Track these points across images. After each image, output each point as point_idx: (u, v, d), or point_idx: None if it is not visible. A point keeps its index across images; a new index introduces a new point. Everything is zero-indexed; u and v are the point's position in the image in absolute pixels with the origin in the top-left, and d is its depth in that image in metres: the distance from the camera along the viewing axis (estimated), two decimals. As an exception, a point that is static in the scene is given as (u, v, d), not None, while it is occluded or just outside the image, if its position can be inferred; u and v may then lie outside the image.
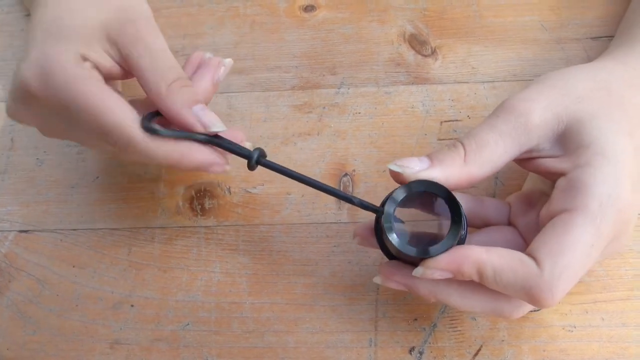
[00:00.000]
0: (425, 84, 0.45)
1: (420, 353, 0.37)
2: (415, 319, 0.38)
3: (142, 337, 0.39)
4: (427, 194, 0.31)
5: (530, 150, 0.32)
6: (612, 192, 0.29)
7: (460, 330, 0.37)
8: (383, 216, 0.31)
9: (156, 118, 0.34)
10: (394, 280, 0.33)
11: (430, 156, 0.32)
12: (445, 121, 0.43)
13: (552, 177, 0.32)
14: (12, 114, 0.36)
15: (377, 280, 0.33)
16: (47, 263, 0.41)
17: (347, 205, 0.41)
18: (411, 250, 0.31)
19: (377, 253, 0.39)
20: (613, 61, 0.36)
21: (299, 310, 0.39)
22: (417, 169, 0.31)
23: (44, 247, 0.41)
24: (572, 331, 0.37)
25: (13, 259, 0.41)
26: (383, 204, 0.32)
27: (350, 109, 0.44)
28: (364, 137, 0.43)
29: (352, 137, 0.43)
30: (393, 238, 0.31)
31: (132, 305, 0.39)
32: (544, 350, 0.36)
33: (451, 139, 0.43)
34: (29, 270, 0.41)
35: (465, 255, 0.30)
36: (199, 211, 0.42)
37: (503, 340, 0.37)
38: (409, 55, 0.46)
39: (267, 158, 0.35)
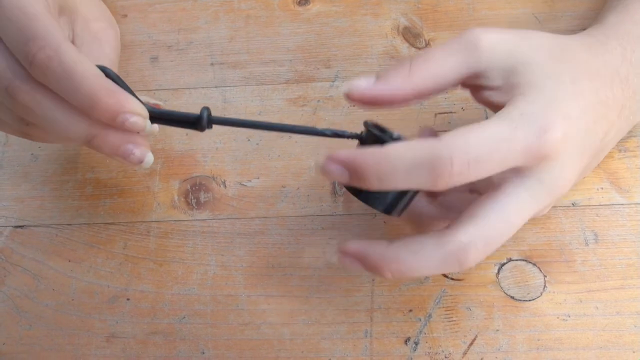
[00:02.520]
0: (419, 76, 0.45)
1: (416, 343, 0.37)
2: (411, 310, 0.38)
3: (138, 330, 0.39)
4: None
5: (478, 75, 0.33)
6: (536, 111, 0.30)
7: (455, 321, 0.37)
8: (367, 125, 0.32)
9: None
10: (348, 252, 0.32)
11: (377, 74, 0.33)
12: (440, 113, 0.43)
13: (494, 109, 0.33)
14: None
15: (333, 258, 0.34)
16: (43, 258, 0.41)
17: (342, 197, 0.41)
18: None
19: (372, 245, 0.40)
20: (581, 34, 0.37)
21: (295, 303, 0.39)
22: (364, 85, 0.32)
23: (39, 242, 0.41)
24: (566, 320, 0.37)
25: (8, 254, 0.41)
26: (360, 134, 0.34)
27: (345, 102, 0.44)
28: (358, 130, 0.43)
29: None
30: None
31: (128, 299, 0.40)
32: (539, 340, 0.37)
33: (446, 130, 0.43)
34: (25, 265, 0.41)
35: (361, 151, 0.30)
36: (194, 205, 0.42)
37: (498, 330, 0.37)
38: (403, 48, 0.46)
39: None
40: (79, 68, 0.32)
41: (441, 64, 0.32)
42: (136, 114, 0.33)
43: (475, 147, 0.29)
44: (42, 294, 0.40)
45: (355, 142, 0.34)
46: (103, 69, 0.34)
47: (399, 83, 0.32)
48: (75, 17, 0.39)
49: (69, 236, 0.41)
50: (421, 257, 0.31)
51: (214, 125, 0.35)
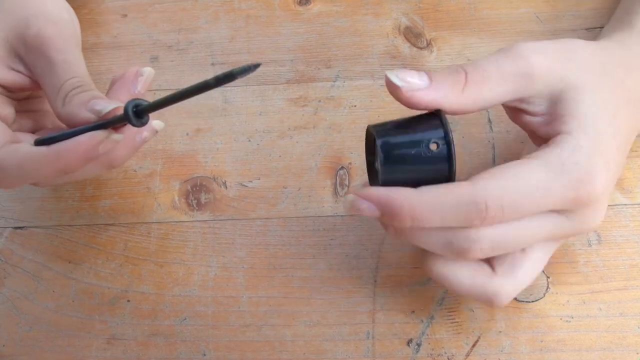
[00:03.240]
0: (420, 76, 0.45)
1: (418, 345, 0.37)
2: (413, 311, 0.38)
3: (139, 332, 0.38)
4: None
5: (522, 100, 0.32)
6: (579, 161, 0.30)
7: (457, 322, 0.37)
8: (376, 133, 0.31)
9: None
10: (369, 196, 0.31)
11: (430, 75, 0.31)
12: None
13: (531, 134, 0.33)
14: None
15: (350, 197, 0.31)
16: (43, 259, 0.41)
17: (344, 198, 0.41)
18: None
19: (374, 246, 0.39)
20: (613, 43, 0.36)
21: (296, 304, 0.39)
22: (416, 86, 0.30)
23: (39, 243, 0.41)
24: (569, 321, 0.37)
25: (8, 256, 0.41)
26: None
27: (346, 102, 0.44)
28: (359, 130, 0.43)
29: (348, 130, 0.43)
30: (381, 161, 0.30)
31: (128, 301, 0.39)
32: (542, 341, 0.36)
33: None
34: (25, 266, 0.41)
35: (395, 191, 0.29)
36: (195, 206, 0.42)
37: (500, 332, 0.37)
38: (404, 47, 0.46)
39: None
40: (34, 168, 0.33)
41: (494, 89, 0.31)
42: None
43: (510, 195, 0.29)
44: (42, 295, 0.40)
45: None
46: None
47: (450, 96, 0.30)
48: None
49: (69, 237, 0.41)
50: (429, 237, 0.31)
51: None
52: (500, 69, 0.31)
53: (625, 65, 0.34)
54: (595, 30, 0.45)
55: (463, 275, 0.32)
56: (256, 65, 0.26)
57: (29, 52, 0.35)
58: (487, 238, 0.30)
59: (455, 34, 0.46)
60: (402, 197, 0.29)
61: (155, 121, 0.37)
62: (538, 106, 0.32)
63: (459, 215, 0.29)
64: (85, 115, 0.33)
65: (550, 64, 0.31)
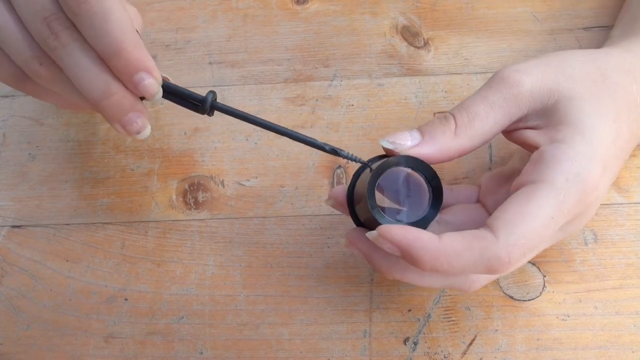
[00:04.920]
0: (418, 75, 0.45)
1: (415, 343, 0.37)
2: (410, 310, 0.38)
3: (137, 330, 0.39)
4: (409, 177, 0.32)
5: (518, 121, 0.32)
6: (581, 170, 0.30)
7: (454, 321, 0.37)
8: (374, 168, 0.31)
9: None
10: (357, 246, 0.33)
11: (421, 130, 0.32)
12: (439, 112, 0.43)
13: (530, 149, 0.32)
14: None
15: (345, 243, 0.33)
16: (41, 258, 0.41)
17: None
18: (383, 218, 0.30)
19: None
20: (617, 49, 0.36)
21: (293, 303, 0.39)
22: (409, 144, 0.31)
23: (37, 242, 0.41)
24: (565, 320, 0.37)
25: (6, 254, 0.41)
26: (368, 162, 0.33)
27: (343, 101, 0.44)
28: (357, 129, 0.43)
29: (345, 130, 0.43)
30: (372, 198, 0.30)
31: (126, 299, 0.39)
32: (538, 339, 0.36)
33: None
34: (22, 265, 0.41)
35: (419, 239, 0.29)
36: (192, 204, 0.42)
37: (497, 330, 0.37)
38: (402, 47, 0.46)
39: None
40: (116, 14, 0.31)
41: (484, 122, 0.31)
42: (153, 76, 0.33)
43: (530, 240, 0.29)
44: (39, 294, 0.40)
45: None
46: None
47: (446, 144, 0.31)
48: None
49: (66, 236, 0.41)
50: (425, 281, 0.32)
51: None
52: (486, 100, 0.32)
53: (628, 71, 0.34)
54: (592, 30, 0.45)
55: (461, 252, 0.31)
56: (367, 165, 0.32)
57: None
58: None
59: (452, 33, 0.46)
60: (425, 244, 0.29)
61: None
62: (533, 122, 0.32)
63: (480, 268, 0.29)
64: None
65: (536, 80, 0.32)
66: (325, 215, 0.41)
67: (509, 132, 0.34)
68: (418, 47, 0.46)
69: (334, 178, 0.42)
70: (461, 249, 0.29)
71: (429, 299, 0.38)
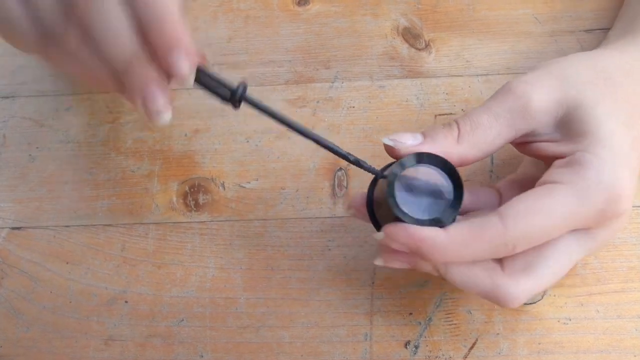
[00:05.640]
0: (419, 77, 0.45)
1: (416, 347, 0.37)
2: (411, 313, 0.38)
3: (137, 333, 0.38)
4: (425, 172, 0.31)
5: (527, 135, 0.32)
6: (604, 179, 0.29)
7: (455, 324, 0.37)
8: (389, 174, 0.31)
9: None
10: (398, 259, 0.32)
11: (423, 132, 0.32)
12: (440, 115, 0.43)
13: (549, 161, 0.32)
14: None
15: (379, 262, 0.33)
16: (40, 260, 0.41)
17: (342, 199, 0.41)
18: (411, 218, 0.30)
19: (372, 248, 0.39)
20: (614, 50, 0.36)
21: (294, 305, 0.39)
22: (410, 143, 0.31)
23: (37, 243, 0.41)
24: (567, 324, 0.37)
25: (6, 256, 0.41)
26: (382, 170, 0.32)
27: (344, 103, 0.44)
28: (358, 131, 0.43)
29: (347, 132, 0.43)
30: (397, 197, 0.30)
31: (126, 302, 0.39)
32: (539, 343, 0.36)
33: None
34: (22, 267, 0.41)
35: (425, 235, 0.29)
36: (192, 207, 0.42)
37: (498, 334, 0.37)
38: (403, 48, 0.46)
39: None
40: None
41: (487, 131, 0.31)
42: (189, 59, 0.31)
43: (539, 230, 0.29)
44: (39, 296, 0.40)
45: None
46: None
47: (446, 148, 0.31)
48: None
49: (66, 238, 0.41)
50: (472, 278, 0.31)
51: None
52: (490, 111, 0.32)
53: (630, 72, 0.34)
54: (594, 32, 0.45)
55: (474, 276, 0.32)
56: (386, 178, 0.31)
57: None
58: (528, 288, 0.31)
59: (453, 35, 0.46)
60: (432, 239, 0.29)
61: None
62: (545, 135, 0.32)
63: (487, 253, 0.30)
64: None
65: (543, 93, 0.32)
66: (326, 217, 0.41)
67: (522, 146, 0.33)
68: (419, 49, 0.46)
69: (334, 180, 0.42)
70: (469, 238, 0.29)
71: (430, 302, 0.38)
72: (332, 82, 0.45)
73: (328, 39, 0.47)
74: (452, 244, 0.29)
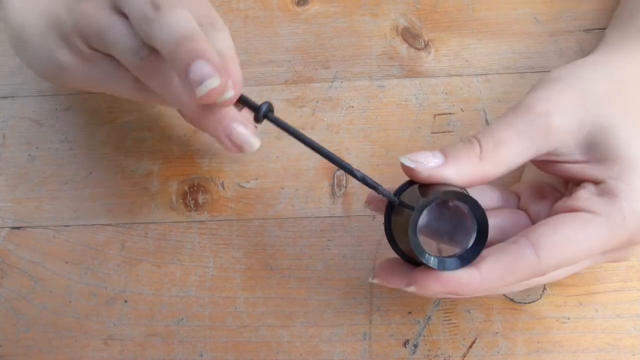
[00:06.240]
0: (418, 77, 0.45)
1: (415, 346, 0.37)
2: (410, 312, 0.38)
3: (136, 332, 0.39)
4: (449, 205, 0.31)
5: (549, 154, 0.32)
6: (637, 209, 0.29)
7: (454, 323, 0.37)
8: (415, 212, 0.29)
9: None
10: (392, 283, 0.32)
11: (444, 151, 0.31)
12: (439, 114, 0.43)
13: (577, 182, 0.32)
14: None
15: (374, 281, 0.33)
16: (40, 259, 0.41)
17: (341, 199, 0.41)
18: (429, 260, 0.29)
19: (371, 247, 0.39)
20: (619, 53, 0.36)
21: (293, 305, 0.39)
22: (432, 165, 0.30)
23: (36, 243, 0.41)
24: (566, 323, 0.37)
25: (5, 256, 0.41)
26: (397, 192, 0.31)
27: (344, 103, 0.44)
28: (357, 131, 0.43)
29: (346, 131, 0.43)
30: (417, 240, 0.29)
31: (125, 301, 0.39)
32: (538, 342, 0.36)
33: (445, 132, 0.43)
34: (22, 266, 0.41)
35: (459, 281, 0.29)
36: (192, 206, 0.42)
37: (497, 333, 0.37)
38: (402, 48, 0.46)
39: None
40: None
41: (510, 149, 0.30)
42: (208, 63, 0.30)
43: (571, 259, 0.29)
44: (39, 295, 0.40)
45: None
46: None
47: (469, 169, 0.30)
48: None
49: (66, 237, 0.41)
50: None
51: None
52: (512, 128, 0.31)
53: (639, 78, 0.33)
54: (593, 32, 0.45)
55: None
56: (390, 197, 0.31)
57: None
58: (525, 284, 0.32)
59: (453, 35, 0.46)
60: (468, 282, 0.29)
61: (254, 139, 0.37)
62: (569, 156, 0.31)
63: (519, 282, 0.30)
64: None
65: (565, 114, 0.31)
66: (325, 217, 0.41)
67: (544, 164, 0.33)
68: (418, 49, 0.46)
69: (334, 180, 0.42)
70: (503, 275, 0.29)
71: (429, 301, 0.38)
72: (332, 82, 0.45)
73: (327, 39, 0.47)
74: (487, 282, 0.29)
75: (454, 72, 0.45)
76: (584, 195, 0.30)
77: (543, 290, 0.38)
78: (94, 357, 0.38)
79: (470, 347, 0.37)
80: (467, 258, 0.30)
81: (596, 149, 0.31)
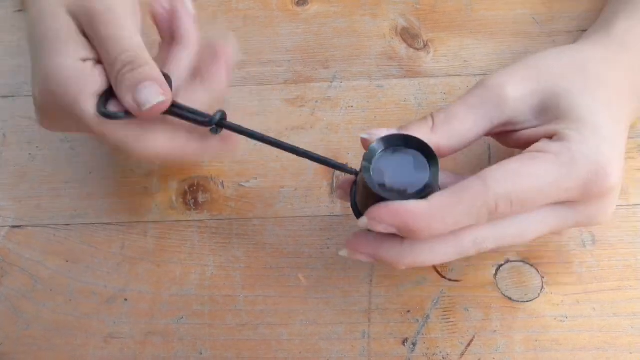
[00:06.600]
0: (417, 77, 0.45)
1: (414, 344, 0.37)
2: (408, 311, 0.38)
3: (136, 331, 0.39)
4: (403, 154, 0.31)
5: (504, 124, 0.33)
6: (589, 153, 0.30)
7: (453, 322, 0.37)
8: (364, 156, 0.31)
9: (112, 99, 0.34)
10: (360, 250, 0.32)
11: (400, 127, 0.33)
12: (438, 114, 0.43)
13: (526, 146, 0.33)
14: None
15: (343, 253, 0.33)
16: (41, 258, 0.41)
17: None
18: (383, 192, 0.30)
19: (370, 246, 0.40)
20: (587, 43, 0.37)
21: (293, 303, 0.39)
22: (384, 134, 0.32)
23: (37, 242, 0.41)
24: (563, 321, 0.37)
25: (6, 255, 0.41)
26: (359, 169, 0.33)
27: (343, 102, 0.44)
28: (356, 131, 0.43)
29: (345, 131, 0.43)
30: (370, 178, 0.30)
31: (125, 300, 0.39)
32: (536, 341, 0.37)
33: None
34: (22, 265, 0.41)
35: (407, 208, 0.29)
36: (192, 205, 0.42)
37: (495, 331, 0.37)
38: (401, 48, 0.46)
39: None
40: (109, 139, 0.34)
41: (462, 122, 0.32)
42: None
43: (522, 194, 0.29)
44: (39, 294, 0.40)
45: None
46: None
47: (420, 137, 0.31)
48: None
49: (66, 236, 0.41)
50: (436, 254, 0.31)
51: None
52: (465, 103, 0.32)
53: (602, 61, 0.34)
54: (591, 32, 0.45)
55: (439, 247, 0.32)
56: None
57: (85, 27, 0.35)
58: (491, 237, 0.31)
59: (452, 35, 0.46)
60: (417, 213, 0.29)
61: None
62: (525, 123, 0.33)
63: (471, 218, 0.29)
64: (131, 104, 0.32)
65: (517, 83, 0.32)
66: (324, 216, 0.41)
67: (503, 136, 0.34)
68: (417, 49, 0.46)
69: (333, 180, 0.42)
70: (452, 204, 0.29)
71: (427, 300, 0.38)
72: (331, 82, 0.45)
73: (327, 39, 0.47)
74: (435, 211, 0.29)
75: (453, 72, 0.45)
76: (537, 144, 0.31)
77: (541, 289, 0.38)
78: (94, 355, 0.38)
79: (469, 345, 0.37)
80: (421, 190, 0.30)
81: (549, 111, 0.32)
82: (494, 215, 0.30)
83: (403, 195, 0.30)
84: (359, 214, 0.33)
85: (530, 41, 0.45)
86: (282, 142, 0.34)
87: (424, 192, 0.30)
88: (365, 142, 0.32)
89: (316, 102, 0.45)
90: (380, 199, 0.30)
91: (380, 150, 0.31)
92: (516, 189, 0.29)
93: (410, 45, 0.46)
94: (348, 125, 0.44)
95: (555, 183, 0.30)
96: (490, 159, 0.42)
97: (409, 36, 0.47)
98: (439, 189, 0.31)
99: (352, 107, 0.44)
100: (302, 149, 0.34)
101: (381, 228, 0.30)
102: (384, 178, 0.31)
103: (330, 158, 0.34)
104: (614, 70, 0.34)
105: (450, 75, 0.45)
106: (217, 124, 0.34)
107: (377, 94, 0.44)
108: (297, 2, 0.48)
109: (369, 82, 0.45)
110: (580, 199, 0.31)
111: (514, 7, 0.47)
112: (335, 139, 0.43)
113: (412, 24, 0.47)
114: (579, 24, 0.46)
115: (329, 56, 0.46)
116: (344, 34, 0.47)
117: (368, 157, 0.31)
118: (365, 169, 0.31)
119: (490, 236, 0.31)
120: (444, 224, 0.29)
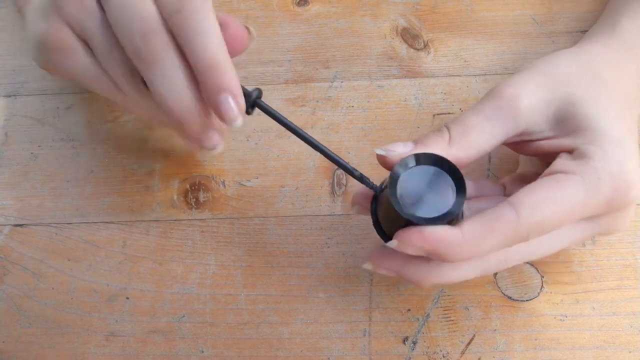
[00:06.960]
0: (417, 77, 0.45)
1: (414, 343, 0.37)
2: (409, 310, 0.38)
3: (138, 329, 0.39)
4: (430, 174, 0.31)
5: (520, 134, 0.33)
6: (613, 170, 0.30)
7: (453, 320, 0.38)
8: (390, 176, 0.31)
9: None
10: (385, 266, 0.32)
11: (415, 140, 0.32)
12: (438, 114, 0.44)
13: (549, 158, 0.33)
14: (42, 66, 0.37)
15: (367, 266, 0.33)
16: (42, 256, 0.41)
17: (341, 197, 0.41)
18: (412, 216, 0.30)
19: (370, 245, 0.40)
20: (595, 45, 0.37)
21: (294, 302, 0.39)
22: (401, 150, 0.32)
23: (38, 240, 0.42)
24: (563, 320, 0.37)
25: (8, 253, 0.41)
26: (382, 186, 0.32)
27: (344, 102, 0.45)
28: (357, 131, 0.44)
29: (345, 131, 0.44)
30: (397, 202, 0.30)
31: (127, 298, 0.40)
32: (536, 339, 0.37)
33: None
34: (24, 263, 0.41)
35: (440, 236, 0.29)
36: (193, 204, 0.42)
37: (495, 330, 0.37)
38: (402, 49, 0.46)
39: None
40: (213, 30, 0.32)
41: (479, 134, 0.32)
42: (236, 101, 0.33)
43: (552, 219, 0.29)
44: (41, 292, 0.40)
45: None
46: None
47: (438, 152, 0.31)
48: None
49: (68, 235, 0.42)
50: (462, 273, 0.32)
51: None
52: (481, 113, 0.32)
53: (613, 66, 0.34)
54: (590, 33, 0.45)
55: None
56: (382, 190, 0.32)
57: None
58: (517, 256, 0.32)
59: (452, 36, 0.46)
60: (447, 239, 0.29)
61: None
62: (540, 133, 0.33)
63: (501, 244, 0.30)
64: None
65: (532, 93, 0.32)
66: (325, 215, 0.41)
67: (518, 145, 0.34)
68: (418, 49, 0.46)
69: (334, 179, 0.42)
70: (484, 233, 0.29)
71: (428, 298, 0.38)
72: (332, 82, 0.45)
73: (327, 39, 0.47)
74: (468, 239, 0.29)
75: (453, 72, 0.45)
76: (559, 161, 0.31)
77: (541, 288, 0.38)
78: (96, 353, 0.38)
79: (469, 344, 0.37)
80: (450, 212, 0.30)
81: (566, 122, 0.32)
82: (523, 241, 0.30)
83: (431, 219, 0.30)
84: (382, 232, 0.33)
85: (530, 42, 0.46)
86: (311, 138, 0.34)
87: (451, 216, 0.30)
88: (381, 159, 0.32)
89: (317, 102, 0.45)
90: (409, 223, 0.30)
91: (405, 170, 0.31)
92: (547, 215, 0.29)
93: (410, 46, 0.46)
94: (348, 125, 0.44)
95: (583, 204, 0.30)
96: (490, 159, 0.42)
97: (409, 36, 0.47)
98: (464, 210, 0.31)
99: (352, 107, 0.44)
100: (329, 150, 0.33)
101: (410, 251, 0.30)
102: (410, 199, 0.31)
103: (353, 166, 0.33)
104: (624, 75, 0.34)
105: (450, 76, 0.45)
106: (254, 102, 0.34)
107: (378, 94, 0.45)
108: (298, 3, 0.49)
109: (369, 82, 0.45)
110: (604, 212, 0.31)
111: (514, 7, 0.47)
112: (336, 138, 0.43)
113: (412, 24, 0.47)
114: (578, 25, 0.46)
115: (330, 56, 0.46)
116: (344, 34, 0.47)
117: (394, 178, 0.31)
118: (391, 191, 0.30)
119: (516, 255, 0.32)
120: (475, 252, 0.30)
